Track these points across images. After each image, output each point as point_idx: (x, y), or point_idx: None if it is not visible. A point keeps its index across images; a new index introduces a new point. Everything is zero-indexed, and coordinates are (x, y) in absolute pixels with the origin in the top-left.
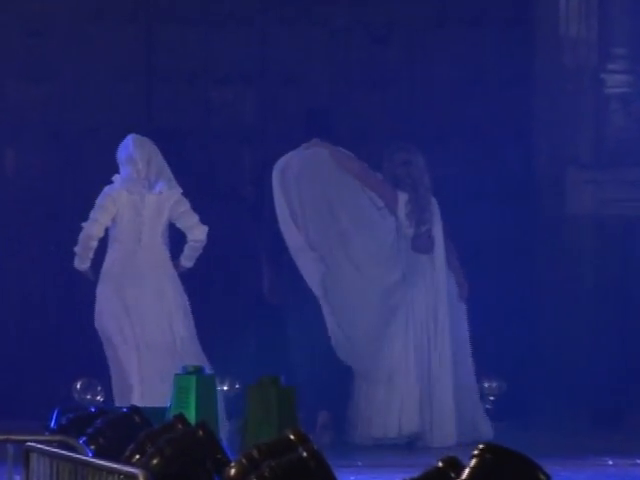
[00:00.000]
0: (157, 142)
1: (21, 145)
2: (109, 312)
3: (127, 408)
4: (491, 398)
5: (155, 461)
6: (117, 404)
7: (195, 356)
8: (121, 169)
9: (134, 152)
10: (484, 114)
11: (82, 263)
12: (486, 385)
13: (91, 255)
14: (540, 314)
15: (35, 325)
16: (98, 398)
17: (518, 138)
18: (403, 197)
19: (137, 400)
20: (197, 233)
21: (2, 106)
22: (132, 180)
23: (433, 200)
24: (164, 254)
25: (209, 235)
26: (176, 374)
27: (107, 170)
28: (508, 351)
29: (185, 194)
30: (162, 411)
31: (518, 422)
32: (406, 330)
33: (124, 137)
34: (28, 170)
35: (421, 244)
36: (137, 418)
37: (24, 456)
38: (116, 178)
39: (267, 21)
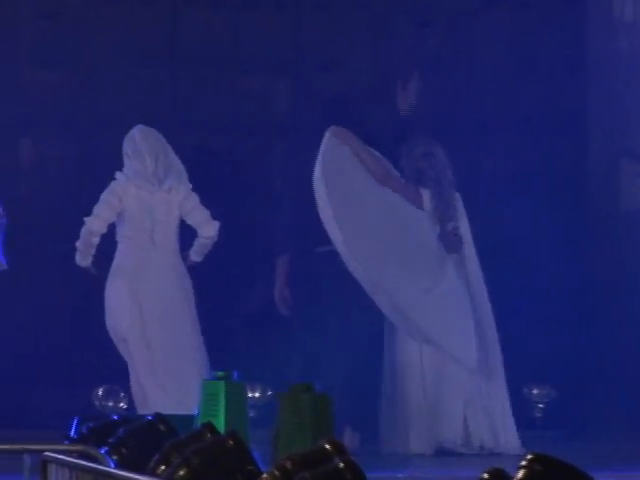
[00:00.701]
0: (181, 132)
1: (37, 134)
2: (123, 309)
3: (151, 416)
4: (540, 405)
5: (181, 472)
6: (139, 411)
7: (200, 360)
8: (127, 163)
9: (141, 146)
10: (532, 102)
11: (84, 259)
12: (535, 392)
13: (93, 251)
14: (592, 316)
15: (53, 331)
16: (121, 405)
17: (569, 128)
18: (426, 193)
19: (154, 405)
20: (208, 229)
21: (17, 93)
22: (140, 175)
23: (457, 195)
24: (177, 253)
25: (229, 232)
26: (204, 380)
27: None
28: (558, 357)
29: (210, 187)
30: (189, 419)
31: (568, 431)
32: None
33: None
34: (44, 161)
35: (448, 243)
36: (162, 427)
37: (42, 467)
38: (122, 172)
39: (301, 5)
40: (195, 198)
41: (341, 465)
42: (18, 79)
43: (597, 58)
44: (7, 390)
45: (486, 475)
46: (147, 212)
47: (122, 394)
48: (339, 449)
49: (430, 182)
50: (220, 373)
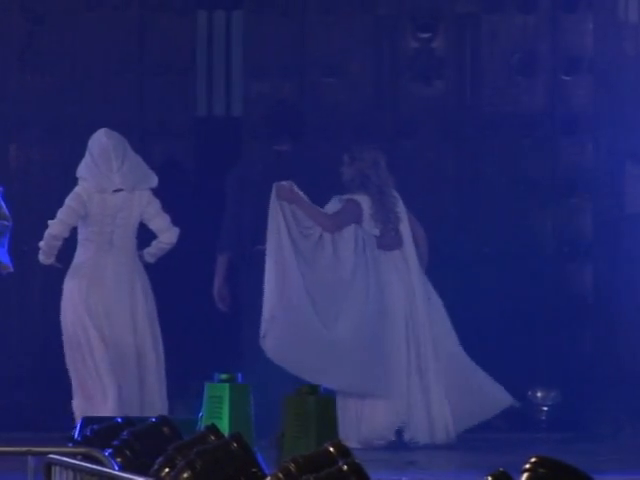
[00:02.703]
0: (185, 136)
1: (22, 139)
2: (74, 310)
3: (156, 418)
4: (545, 408)
5: (185, 475)
6: (83, 413)
7: (157, 362)
8: (91, 163)
9: (107, 146)
10: (535, 105)
11: (47, 259)
12: (539, 395)
13: (55, 252)
14: (596, 318)
15: (56, 334)
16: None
17: (572, 130)
18: (367, 200)
19: (105, 405)
20: (168, 236)
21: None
22: (104, 174)
23: (397, 195)
24: (134, 253)
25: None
26: (208, 382)
27: None
28: (562, 359)
29: (214, 189)
30: (193, 422)
31: (572, 433)
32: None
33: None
34: (29, 166)
35: (387, 242)
36: (166, 429)
37: (45, 469)
38: (87, 172)
39: (306, 9)
40: (157, 204)
41: (345, 468)
42: (6, 84)
43: (602, 60)
44: (18, 391)
45: (490, 478)
46: (110, 216)
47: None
48: (343, 452)
49: (373, 188)
50: (224, 375)
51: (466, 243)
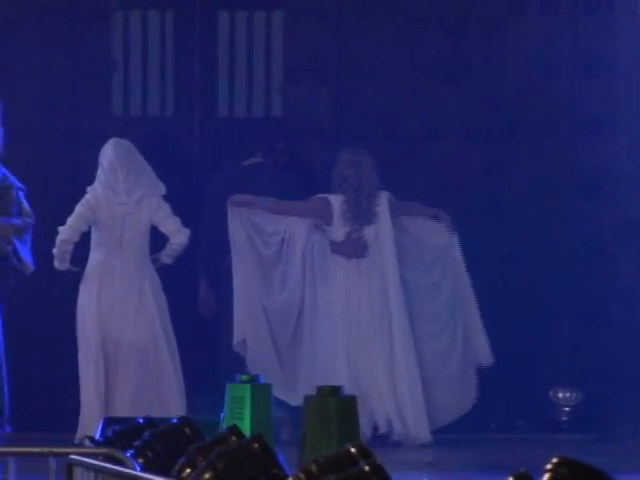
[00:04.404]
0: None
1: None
2: (87, 314)
3: (177, 419)
4: (566, 409)
5: (207, 476)
6: (91, 414)
7: (171, 364)
8: (101, 174)
9: (114, 159)
10: (558, 106)
11: (61, 265)
12: (560, 395)
13: (68, 257)
14: (618, 319)
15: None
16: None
17: (594, 131)
18: (338, 199)
19: (117, 407)
20: (179, 237)
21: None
22: (111, 188)
23: (383, 196)
24: (145, 258)
25: None
26: (229, 383)
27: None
28: (584, 359)
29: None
30: (215, 422)
31: (594, 434)
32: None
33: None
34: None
35: (346, 249)
36: (188, 430)
37: (67, 470)
38: (97, 183)
39: (342, 13)
40: (167, 207)
41: (367, 468)
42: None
43: (623, 61)
44: (40, 392)
45: (512, 478)
46: (119, 221)
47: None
48: (365, 452)
49: (350, 189)
50: (245, 376)
51: (490, 243)
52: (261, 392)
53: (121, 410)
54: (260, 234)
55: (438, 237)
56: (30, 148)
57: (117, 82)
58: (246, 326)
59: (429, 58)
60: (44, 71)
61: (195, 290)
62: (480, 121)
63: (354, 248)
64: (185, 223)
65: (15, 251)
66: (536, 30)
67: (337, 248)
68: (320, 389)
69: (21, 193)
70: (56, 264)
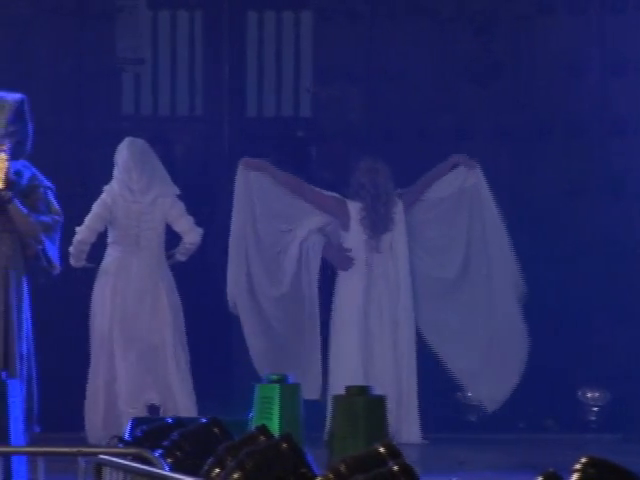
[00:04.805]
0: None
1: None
2: (105, 308)
3: (206, 419)
4: (594, 409)
5: (236, 475)
6: (89, 406)
7: (181, 363)
8: (116, 173)
9: (128, 158)
10: (586, 105)
11: (77, 262)
12: (589, 395)
13: (84, 256)
14: None
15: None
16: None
17: (622, 130)
18: (357, 205)
19: (129, 405)
20: (192, 236)
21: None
22: (126, 187)
23: (399, 206)
24: (161, 257)
25: None
26: (259, 383)
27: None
28: (612, 359)
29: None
30: (243, 422)
31: (623, 434)
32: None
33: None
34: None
35: (338, 259)
36: (217, 430)
37: (96, 470)
38: (113, 181)
39: (375, 16)
40: (180, 206)
41: (395, 468)
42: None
43: None
44: (68, 392)
45: (541, 478)
46: (134, 220)
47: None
48: (393, 452)
49: (367, 196)
50: (274, 376)
51: (519, 243)
52: (290, 392)
53: (127, 406)
54: (273, 215)
55: (465, 182)
56: (48, 148)
57: (146, 82)
58: (235, 293)
59: (459, 58)
60: (60, 70)
61: (207, 289)
62: (509, 121)
63: (342, 261)
64: (215, 220)
65: (44, 250)
66: (564, 30)
67: (328, 253)
68: (349, 389)
69: (50, 192)
70: (72, 261)
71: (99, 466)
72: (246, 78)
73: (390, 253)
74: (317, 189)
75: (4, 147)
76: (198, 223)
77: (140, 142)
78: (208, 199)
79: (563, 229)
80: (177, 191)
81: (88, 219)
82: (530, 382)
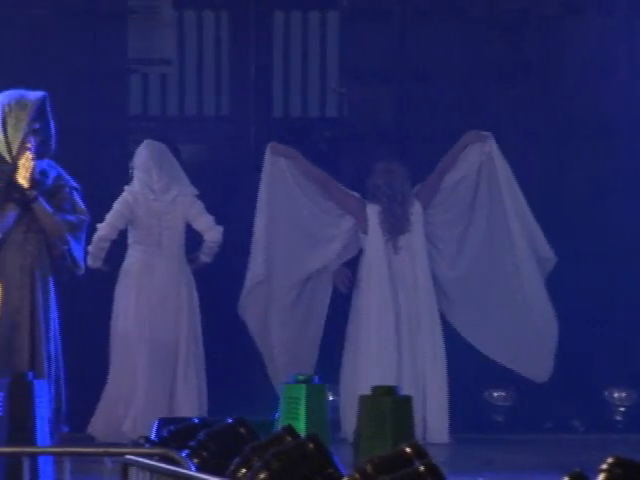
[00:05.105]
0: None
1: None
2: (129, 310)
3: (233, 419)
4: (621, 409)
5: (262, 476)
6: (106, 407)
7: (198, 361)
8: (136, 174)
9: (147, 158)
10: (615, 105)
11: (95, 262)
12: (615, 395)
13: (103, 255)
14: None
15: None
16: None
17: None
18: (375, 208)
19: (149, 407)
20: (213, 234)
21: None
22: (147, 187)
23: (416, 206)
24: (182, 255)
25: None
26: (285, 383)
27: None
28: (638, 359)
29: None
30: (270, 423)
31: None
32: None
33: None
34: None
35: (338, 278)
36: (243, 430)
37: (122, 470)
38: (134, 181)
39: (404, 16)
40: (200, 205)
41: (422, 468)
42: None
43: None
44: (96, 392)
45: (567, 478)
46: (155, 219)
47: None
48: (420, 452)
49: (384, 198)
50: (301, 376)
51: (549, 243)
52: (316, 392)
53: (148, 408)
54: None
55: (481, 156)
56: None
57: (171, 82)
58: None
59: (488, 58)
60: (78, 70)
61: (222, 289)
62: (537, 121)
63: (339, 278)
64: (241, 220)
65: (70, 250)
66: (593, 30)
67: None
68: (375, 389)
69: (75, 192)
70: (89, 262)
71: (125, 466)
72: (272, 78)
73: (408, 254)
74: (342, 187)
75: (29, 145)
76: (223, 222)
77: (158, 144)
78: (233, 199)
79: (591, 228)
80: (195, 191)
81: (110, 216)
82: (557, 382)
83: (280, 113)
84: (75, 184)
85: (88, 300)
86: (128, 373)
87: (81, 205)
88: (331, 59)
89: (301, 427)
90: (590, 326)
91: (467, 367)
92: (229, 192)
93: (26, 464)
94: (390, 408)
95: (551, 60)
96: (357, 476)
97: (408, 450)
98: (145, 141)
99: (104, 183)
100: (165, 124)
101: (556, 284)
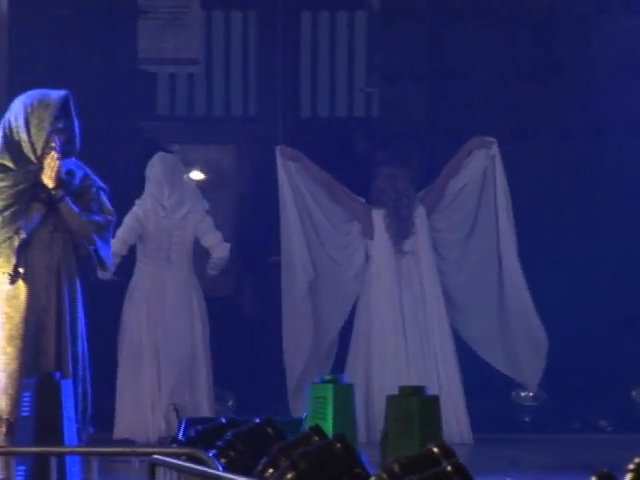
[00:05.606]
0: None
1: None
2: (139, 324)
3: (260, 419)
4: None
5: (289, 476)
6: (120, 417)
7: (208, 371)
8: (147, 187)
9: (160, 173)
10: None
11: (105, 275)
12: (634, 393)
13: (114, 269)
14: None
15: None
16: (229, 405)
17: None
18: (380, 213)
19: (155, 421)
20: (219, 251)
21: None
22: (158, 202)
23: (419, 209)
24: (191, 269)
25: None
26: (312, 383)
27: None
28: None
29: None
30: (297, 423)
31: None
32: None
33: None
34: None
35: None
36: (270, 430)
37: (149, 470)
38: (145, 195)
39: (436, 16)
40: (209, 221)
41: (449, 468)
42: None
43: None
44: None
45: (594, 478)
46: (165, 234)
47: (230, 398)
48: (447, 452)
49: (389, 201)
50: (328, 376)
51: (578, 241)
52: (343, 392)
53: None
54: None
55: (484, 163)
56: (100, 149)
57: (199, 83)
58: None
59: (518, 58)
60: (101, 69)
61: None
62: (568, 120)
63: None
64: (272, 219)
65: (97, 250)
66: (622, 30)
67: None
68: (402, 389)
69: (102, 192)
70: (99, 273)
71: (153, 466)
72: (300, 78)
73: (413, 258)
74: (347, 190)
75: (53, 145)
76: (249, 224)
77: (171, 157)
78: (261, 200)
79: (621, 227)
80: (206, 206)
81: (120, 231)
82: (584, 383)
83: (308, 113)
84: (102, 184)
85: (114, 300)
86: (139, 386)
87: (108, 205)
88: (359, 59)
89: (328, 427)
90: (618, 326)
91: (494, 367)
92: (257, 193)
93: (54, 464)
94: (417, 408)
95: (581, 59)
96: (384, 476)
97: (435, 450)
98: (159, 154)
99: (121, 184)
100: (192, 124)
101: (587, 283)
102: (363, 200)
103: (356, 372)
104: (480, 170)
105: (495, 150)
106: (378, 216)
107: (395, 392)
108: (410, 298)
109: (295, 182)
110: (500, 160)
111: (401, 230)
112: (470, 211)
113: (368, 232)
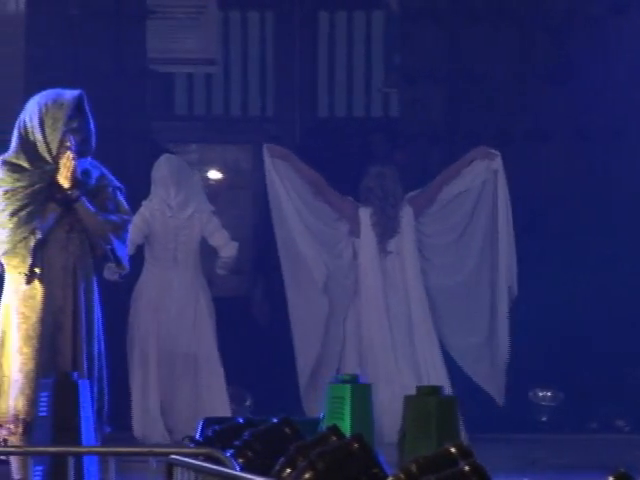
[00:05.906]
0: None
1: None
2: (145, 323)
3: (277, 419)
4: None
5: (307, 476)
6: (137, 420)
7: (216, 374)
8: (154, 189)
9: (166, 174)
10: None
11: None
12: None
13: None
14: None
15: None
16: (247, 404)
17: None
18: (367, 211)
19: (163, 420)
20: (227, 250)
21: None
22: (165, 203)
23: (406, 209)
24: (197, 269)
25: None
26: (330, 382)
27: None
28: None
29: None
30: (315, 422)
31: None
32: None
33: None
34: None
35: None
36: (288, 430)
37: (167, 470)
38: (152, 196)
39: (455, 17)
40: (216, 221)
41: (467, 468)
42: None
43: None
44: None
45: (612, 478)
46: (172, 235)
47: (248, 398)
48: (465, 452)
49: (376, 200)
50: (346, 376)
51: (595, 243)
52: (361, 392)
53: (173, 417)
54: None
55: (484, 175)
56: (110, 149)
57: (217, 83)
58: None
59: (535, 58)
60: (116, 71)
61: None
62: (585, 121)
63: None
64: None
65: (113, 250)
66: (639, 30)
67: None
68: (420, 389)
69: (119, 192)
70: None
71: (170, 466)
72: (317, 78)
73: (398, 258)
74: (333, 190)
75: (69, 144)
76: (267, 223)
77: (177, 159)
78: None
79: (638, 228)
80: (211, 207)
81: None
82: (601, 382)
83: (325, 113)
84: (119, 184)
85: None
86: (148, 386)
87: (125, 205)
88: (376, 59)
89: (346, 427)
90: (635, 326)
91: (512, 367)
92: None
93: (71, 464)
94: (435, 408)
95: (598, 60)
96: (402, 476)
97: (453, 450)
98: (164, 155)
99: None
100: (210, 124)
101: (602, 284)
102: (351, 198)
103: (351, 371)
104: (479, 181)
105: (498, 163)
106: (365, 214)
107: (387, 391)
108: (395, 298)
109: (283, 180)
110: (503, 174)
111: (387, 229)
112: (461, 220)
113: (355, 230)
